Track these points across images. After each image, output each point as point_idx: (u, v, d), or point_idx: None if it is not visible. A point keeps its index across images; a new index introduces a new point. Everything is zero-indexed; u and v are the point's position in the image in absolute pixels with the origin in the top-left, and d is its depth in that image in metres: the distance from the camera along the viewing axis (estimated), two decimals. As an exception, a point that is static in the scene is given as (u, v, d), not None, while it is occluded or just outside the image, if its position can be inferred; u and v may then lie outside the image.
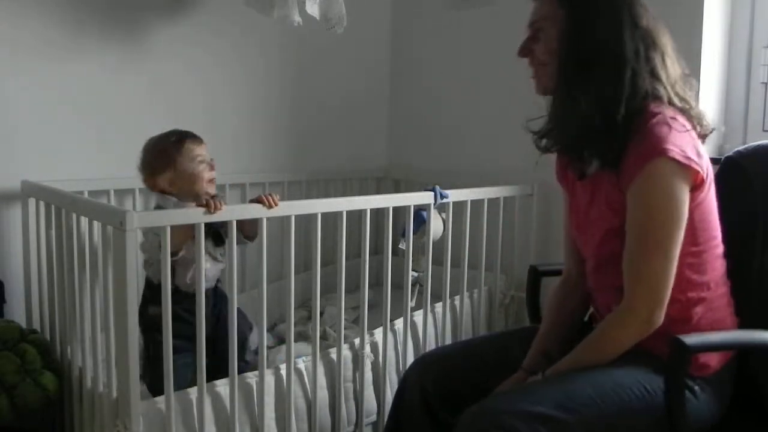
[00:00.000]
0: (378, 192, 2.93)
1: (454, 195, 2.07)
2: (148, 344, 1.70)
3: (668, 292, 1.23)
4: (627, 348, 1.26)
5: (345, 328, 1.84)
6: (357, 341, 1.88)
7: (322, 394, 1.78)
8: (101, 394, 1.54)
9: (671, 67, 1.32)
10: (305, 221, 1.75)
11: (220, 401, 1.57)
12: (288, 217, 1.65)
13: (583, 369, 1.26)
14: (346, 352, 1.84)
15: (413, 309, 2.06)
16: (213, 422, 1.55)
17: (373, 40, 2.96)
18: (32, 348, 1.65)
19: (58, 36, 2.03)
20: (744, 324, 1.36)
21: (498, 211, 2.32)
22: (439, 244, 2.11)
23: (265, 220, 1.60)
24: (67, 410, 1.74)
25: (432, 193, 2.00)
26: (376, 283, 2.32)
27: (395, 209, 1.91)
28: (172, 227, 1.45)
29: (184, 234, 1.57)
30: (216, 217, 1.51)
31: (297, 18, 2.10)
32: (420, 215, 2.09)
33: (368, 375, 1.90)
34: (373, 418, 1.93)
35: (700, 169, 1.24)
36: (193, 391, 1.54)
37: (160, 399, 1.48)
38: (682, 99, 1.32)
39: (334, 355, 1.82)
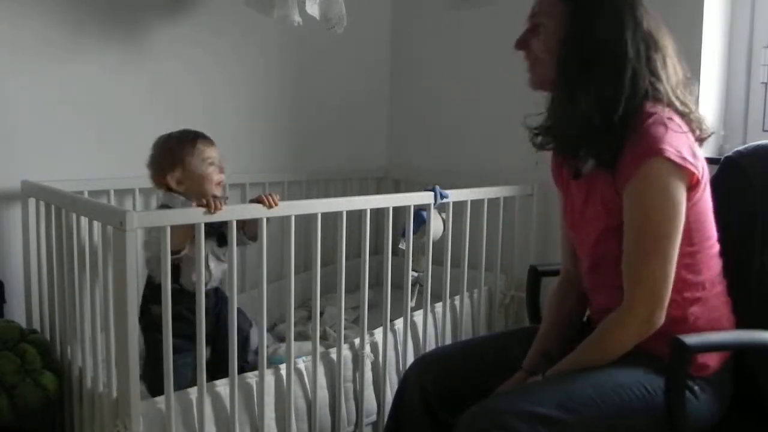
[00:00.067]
0: (378, 192, 2.93)
1: (454, 195, 2.07)
2: (149, 344, 1.70)
3: (668, 292, 1.23)
4: (628, 349, 1.26)
5: (345, 328, 1.84)
6: (357, 341, 1.88)
7: (322, 394, 1.78)
8: (101, 394, 1.54)
9: (672, 68, 1.32)
10: (305, 221, 1.75)
11: (220, 401, 1.57)
12: (288, 217, 1.65)
13: (583, 369, 1.26)
14: (346, 352, 1.84)
15: (413, 309, 2.06)
16: (213, 422, 1.55)
17: (373, 40, 2.96)
18: (32, 348, 1.65)
19: (58, 36, 2.03)
20: (743, 323, 1.36)
21: (498, 211, 2.32)
22: (439, 244, 2.11)
23: (265, 220, 1.60)
24: (67, 410, 1.74)
25: (432, 193, 2.00)
26: (376, 283, 2.32)
27: (395, 209, 1.91)
28: (174, 226, 1.45)
29: (185, 233, 1.57)
30: (216, 217, 1.51)
31: (297, 18, 2.10)
32: (420, 215, 2.09)
33: (368, 375, 1.90)
34: (373, 418, 1.93)
35: (695, 170, 1.23)
36: (193, 391, 1.54)
37: (160, 399, 1.48)
38: (681, 102, 1.31)
39: (334, 355, 1.82)
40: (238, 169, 2.43)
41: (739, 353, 1.37)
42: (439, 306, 2.13)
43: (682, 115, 1.30)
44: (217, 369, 1.66)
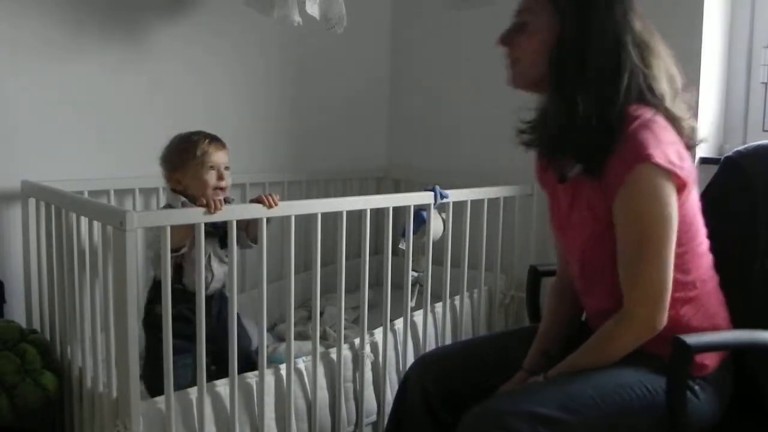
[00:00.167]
0: (378, 192, 2.93)
1: (454, 195, 2.07)
2: (150, 343, 1.70)
3: (667, 294, 1.23)
4: (629, 351, 1.26)
5: (345, 328, 1.84)
6: (357, 341, 1.88)
7: (322, 394, 1.78)
8: (101, 394, 1.54)
9: (663, 71, 1.30)
10: (305, 221, 1.75)
11: (220, 401, 1.57)
12: (288, 217, 1.65)
13: (584, 370, 1.26)
14: (346, 352, 1.84)
15: (413, 309, 2.06)
16: (213, 422, 1.55)
17: (373, 40, 2.96)
18: (32, 348, 1.65)
19: (58, 36, 2.03)
20: (743, 323, 1.36)
21: (498, 211, 2.33)
22: (439, 244, 2.11)
23: (265, 221, 1.60)
24: (67, 410, 1.74)
25: (432, 193, 2.00)
26: (376, 283, 2.32)
27: (395, 209, 1.91)
28: (174, 225, 1.46)
29: (185, 232, 1.58)
30: (216, 217, 1.51)
31: (297, 18, 2.10)
32: (420, 215, 2.09)
33: (368, 375, 1.90)
34: (373, 418, 1.93)
35: (682, 173, 1.23)
36: (193, 391, 1.53)
37: (160, 399, 1.48)
38: (671, 105, 1.30)
39: (334, 355, 1.82)
40: (238, 169, 2.41)
41: (738, 353, 1.37)
42: (439, 306, 2.13)
43: (672, 120, 1.29)
44: (218, 376, 1.65)
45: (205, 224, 1.51)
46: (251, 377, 1.64)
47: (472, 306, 2.29)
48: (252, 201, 1.63)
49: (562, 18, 1.28)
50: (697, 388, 1.27)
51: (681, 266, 1.28)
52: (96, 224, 1.52)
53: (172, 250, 1.62)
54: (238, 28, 2.44)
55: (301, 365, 1.74)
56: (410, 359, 1.97)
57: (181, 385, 1.55)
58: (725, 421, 1.32)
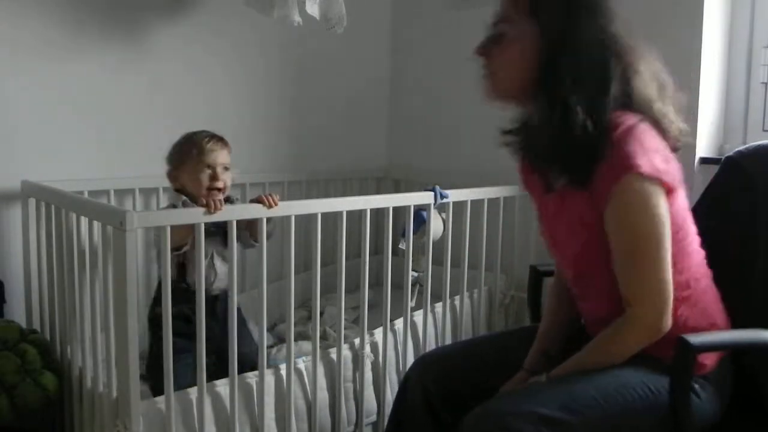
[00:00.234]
0: (378, 192, 2.93)
1: (454, 195, 2.07)
2: (154, 343, 1.70)
3: (670, 296, 1.23)
4: (634, 353, 1.26)
5: (345, 328, 1.84)
6: (357, 341, 1.88)
7: (322, 394, 1.78)
8: (101, 394, 1.54)
9: (648, 75, 1.29)
10: (305, 221, 1.75)
11: (220, 401, 1.57)
12: (288, 217, 1.65)
13: (586, 371, 1.26)
14: (346, 352, 1.84)
15: (413, 309, 2.06)
16: (213, 422, 1.55)
17: (373, 40, 2.96)
18: (32, 348, 1.65)
19: (58, 36, 2.03)
20: (745, 323, 1.35)
21: (498, 211, 2.32)
22: (439, 244, 2.11)
23: (265, 221, 1.60)
24: (67, 410, 1.74)
25: (432, 193, 2.00)
26: (376, 283, 2.32)
27: (395, 209, 1.91)
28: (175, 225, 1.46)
29: (187, 230, 1.58)
30: (215, 217, 1.51)
31: (297, 18, 2.10)
32: (420, 215, 2.09)
33: (368, 375, 1.90)
34: (373, 418, 1.93)
35: (670, 178, 1.22)
36: (193, 391, 1.53)
37: (160, 399, 1.48)
38: (661, 108, 1.29)
39: (334, 355, 1.81)
40: (238, 169, 2.43)
41: (737, 353, 1.37)
42: (439, 306, 2.13)
43: (658, 124, 1.28)
44: (222, 377, 1.65)
45: (208, 223, 1.51)
46: (251, 377, 1.64)
47: (472, 306, 2.29)
48: (252, 201, 1.63)
49: (543, 28, 1.26)
50: (697, 387, 1.27)
51: (673, 266, 1.28)
52: (96, 224, 1.52)
53: (175, 249, 1.63)
54: (238, 28, 2.43)
55: (301, 365, 1.74)
56: (410, 359, 1.97)
57: (183, 385, 1.55)
58: (725, 421, 1.32)
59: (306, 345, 2.11)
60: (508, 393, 1.36)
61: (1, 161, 1.94)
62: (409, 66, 2.97)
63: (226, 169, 1.80)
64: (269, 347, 2.10)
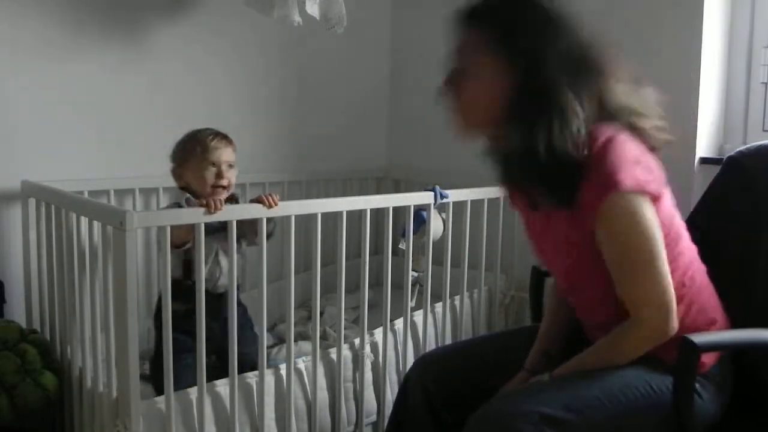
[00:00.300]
0: (378, 192, 2.92)
1: (454, 195, 2.07)
2: (160, 342, 1.70)
3: (672, 299, 1.22)
4: (639, 354, 1.25)
5: (345, 328, 1.84)
6: (357, 341, 1.88)
7: (322, 394, 1.78)
8: (101, 394, 1.54)
9: (625, 82, 1.27)
10: (305, 221, 1.75)
11: (220, 401, 1.57)
12: (288, 217, 1.65)
13: (588, 370, 1.26)
14: (346, 352, 1.84)
15: (413, 309, 2.06)
16: (213, 422, 1.55)
17: (373, 40, 2.95)
18: (32, 348, 1.65)
19: (58, 36, 2.03)
20: (746, 323, 1.35)
21: (498, 211, 2.33)
22: (439, 244, 2.11)
23: (264, 220, 1.60)
24: (67, 410, 1.74)
25: (432, 193, 2.00)
26: (376, 283, 2.32)
27: (395, 209, 1.91)
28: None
29: (190, 228, 1.57)
30: (215, 217, 1.51)
31: (297, 18, 2.10)
32: (420, 215, 2.09)
33: (368, 375, 1.90)
34: (373, 418, 1.93)
35: (652, 188, 1.22)
36: (193, 391, 1.53)
37: (160, 399, 1.48)
38: (638, 115, 1.28)
39: (334, 355, 1.81)
40: (238, 169, 2.43)
41: (737, 352, 1.37)
42: (439, 306, 2.13)
43: (636, 131, 1.27)
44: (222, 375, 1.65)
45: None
46: (251, 377, 1.64)
47: (472, 306, 2.29)
48: (252, 201, 1.63)
49: (508, 56, 1.25)
50: (697, 386, 1.27)
51: None
52: (96, 224, 1.52)
53: (179, 246, 1.63)
54: (238, 28, 2.43)
55: (301, 365, 1.74)
56: (410, 359, 1.97)
57: (185, 384, 1.55)
58: (726, 420, 1.32)
59: (306, 345, 2.11)
60: (510, 393, 1.36)
61: (1, 161, 1.94)
62: (409, 66, 2.97)
63: (230, 166, 1.80)
64: (269, 347, 2.10)
